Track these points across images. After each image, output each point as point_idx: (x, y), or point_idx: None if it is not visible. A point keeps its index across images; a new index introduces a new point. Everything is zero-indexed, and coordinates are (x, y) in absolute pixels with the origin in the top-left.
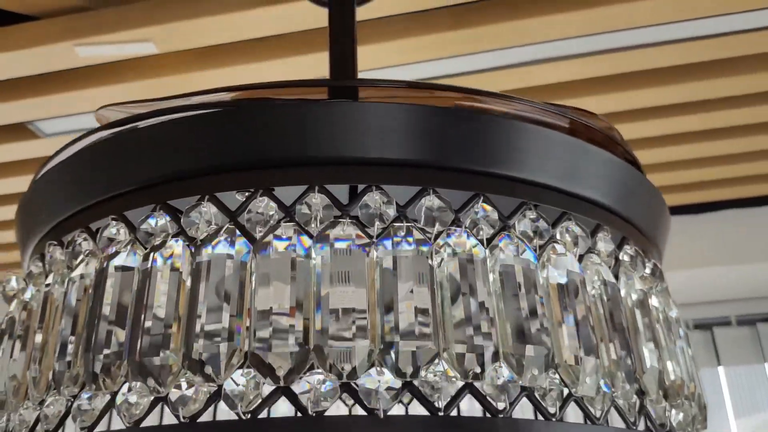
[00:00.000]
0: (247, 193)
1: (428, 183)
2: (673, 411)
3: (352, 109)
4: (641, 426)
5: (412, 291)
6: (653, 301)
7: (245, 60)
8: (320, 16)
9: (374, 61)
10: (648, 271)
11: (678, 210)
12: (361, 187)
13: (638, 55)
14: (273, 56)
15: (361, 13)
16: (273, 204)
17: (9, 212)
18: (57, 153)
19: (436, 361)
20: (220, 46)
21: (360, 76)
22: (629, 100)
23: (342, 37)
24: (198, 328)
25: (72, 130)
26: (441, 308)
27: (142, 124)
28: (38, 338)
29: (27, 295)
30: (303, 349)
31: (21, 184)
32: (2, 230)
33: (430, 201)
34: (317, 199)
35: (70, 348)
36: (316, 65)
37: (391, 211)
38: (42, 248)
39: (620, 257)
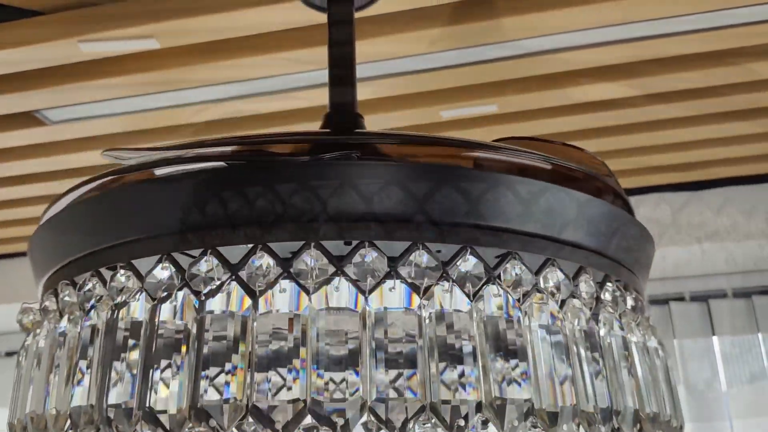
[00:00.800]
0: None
1: (418, 238)
2: None
3: (348, 169)
4: None
5: (401, 344)
6: (633, 337)
7: (247, 54)
8: (321, 15)
9: (375, 53)
10: (630, 305)
11: (679, 187)
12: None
13: (641, 45)
14: (274, 50)
15: (361, 13)
16: (271, 260)
17: (16, 193)
18: (67, 192)
19: (423, 414)
20: (222, 42)
21: (360, 69)
22: (637, 86)
23: (341, 48)
24: (202, 380)
25: (77, 118)
26: (429, 361)
27: (146, 175)
28: (54, 377)
29: (43, 332)
30: (299, 403)
31: (27, 167)
32: (8, 208)
33: (420, 256)
34: (313, 254)
35: (85, 392)
36: (317, 60)
37: (383, 267)
38: (55, 284)
39: (602, 296)
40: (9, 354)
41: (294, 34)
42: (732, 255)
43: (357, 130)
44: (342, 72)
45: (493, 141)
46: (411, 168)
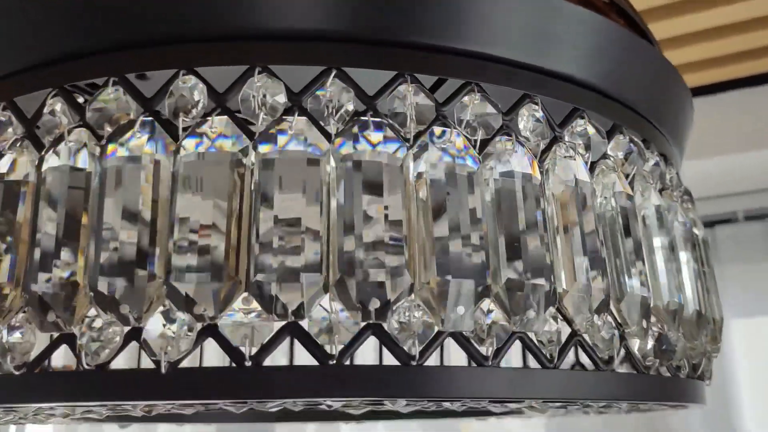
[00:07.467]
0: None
1: (404, 68)
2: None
3: None
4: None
5: (383, 207)
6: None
7: None
8: None
9: None
10: (669, 179)
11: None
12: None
13: None
14: None
15: None
16: (202, 86)
17: None
18: None
19: (411, 297)
20: None
21: None
22: None
23: None
24: (104, 255)
25: None
26: (419, 231)
27: None
28: None
29: None
30: (232, 282)
31: None
32: None
33: (408, 89)
34: (260, 83)
35: None
36: None
37: (354, 103)
38: None
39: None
40: None
41: None
42: None
43: None
44: None
45: None
46: None
